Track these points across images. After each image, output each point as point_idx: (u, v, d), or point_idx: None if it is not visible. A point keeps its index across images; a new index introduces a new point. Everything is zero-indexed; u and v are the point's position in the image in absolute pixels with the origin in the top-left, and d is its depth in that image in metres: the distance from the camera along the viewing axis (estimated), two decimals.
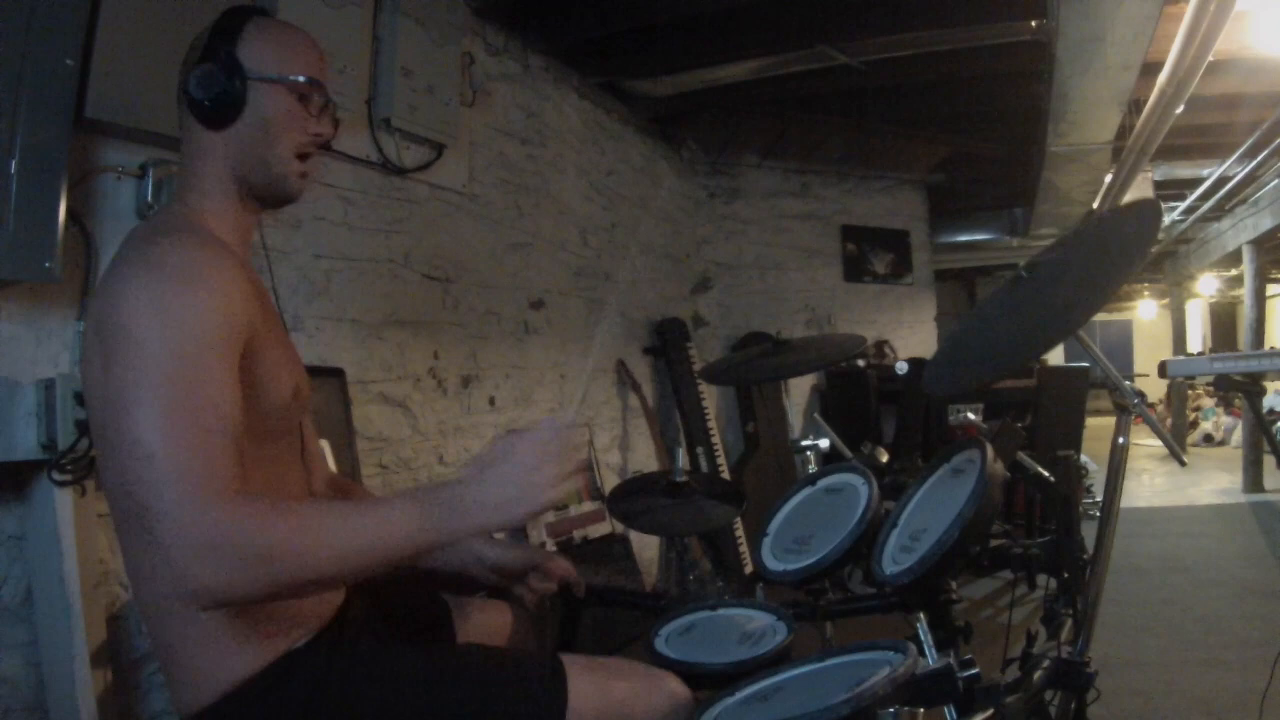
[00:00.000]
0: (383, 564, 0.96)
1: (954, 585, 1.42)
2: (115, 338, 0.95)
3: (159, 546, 0.88)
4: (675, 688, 1.19)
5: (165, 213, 1.13)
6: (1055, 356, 10.25)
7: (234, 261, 1.07)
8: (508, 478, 1.00)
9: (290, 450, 1.19)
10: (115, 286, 0.98)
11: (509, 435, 1.06)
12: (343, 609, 1.20)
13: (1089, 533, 1.53)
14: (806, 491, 1.75)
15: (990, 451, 1.38)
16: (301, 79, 1.15)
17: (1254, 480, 7.05)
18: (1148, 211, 1.41)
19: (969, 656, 1.08)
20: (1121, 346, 16.22)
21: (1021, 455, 1.83)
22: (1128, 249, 1.35)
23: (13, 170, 1.46)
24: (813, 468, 2.05)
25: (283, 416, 1.13)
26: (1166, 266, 11.21)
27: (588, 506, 3.56)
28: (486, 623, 1.44)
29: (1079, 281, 1.36)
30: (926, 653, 1.33)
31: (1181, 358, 1.62)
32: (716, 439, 4.59)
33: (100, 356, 0.98)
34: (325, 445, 2.21)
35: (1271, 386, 8.49)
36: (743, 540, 4.40)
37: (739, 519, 4.15)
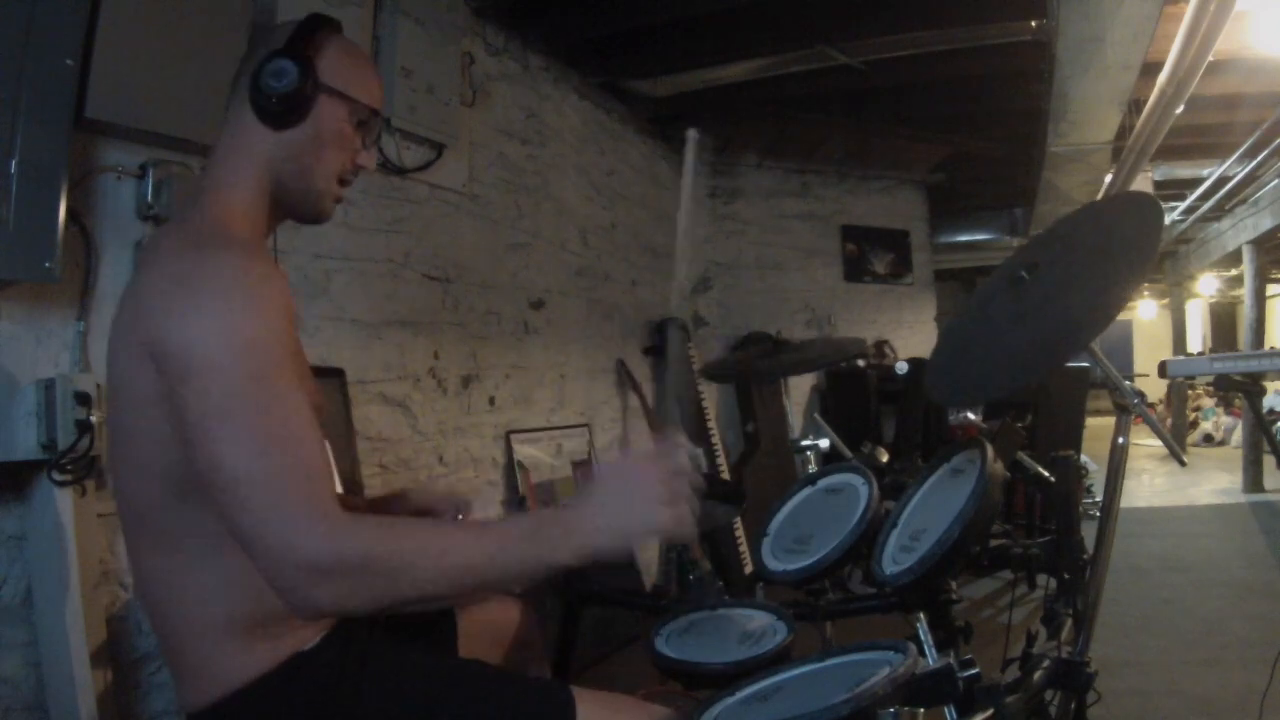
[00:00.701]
0: (492, 584, 0.97)
1: (954, 585, 1.42)
2: (187, 363, 0.93)
3: (265, 569, 0.89)
4: None
5: (200, 216, 1.08)
6: None
7: (280, 274, 1.05)
8: (616, 501, 0.98)
9: None
10: (175, 310, 0.95)
11: (618, 458, 1.04)
12: None
13: (1089, 533, 1.53)
14: (806, 491, 1.75)
15: (990, 451, 1.38)
16: (369, 106, 1.15)
17: (1254, 480, 7.05)
18: (1148, 211, 1.41)
19: (969, 656, 1.08)
20: (1121, 346, 16.21)
21: (1021, 455, 1.84)
22: (1133, 255, 1.35)
23: (13, 170, 1.46)
24: (813, 468, 2.04)
25: None
26: (1166, 266, 11.21)
27: None
28: (491, 619, 1.44)
29: (1085, 291, 1.36)
30: (926, 653, 1.33)
31: (1181, 358, 1.62)
32: (716, 439, 4.59)
33: (153, 378, 0.97)
34: (326, 446, 2.21)
35: (1271, 386, 8.50)
36: (743, 540, 4.40)
37: (739, 519, 4.15)
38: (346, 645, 1.12)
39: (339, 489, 1.44)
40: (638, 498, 0.97)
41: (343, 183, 1.18)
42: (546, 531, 0.96)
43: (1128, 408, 1.49)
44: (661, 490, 0.97)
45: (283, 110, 1.08)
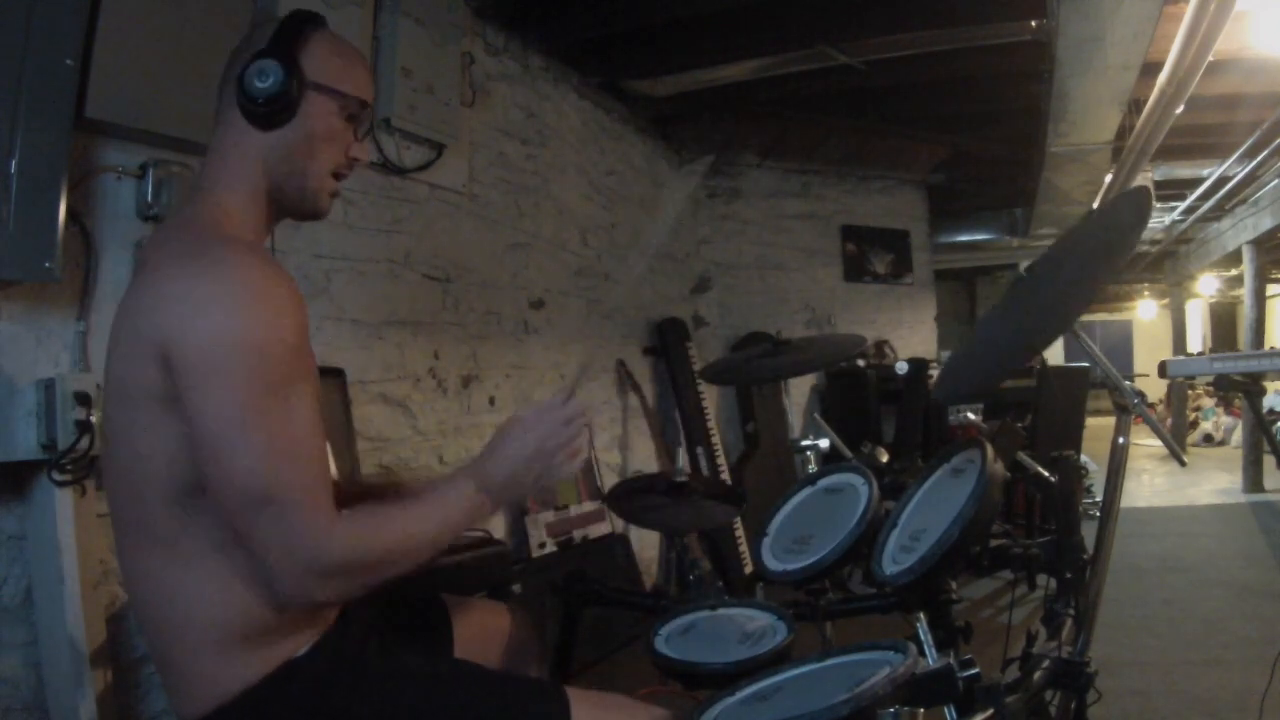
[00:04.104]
0: (443, 546, 1.08)
1: (954, 585, 1.42)
2: (196, 366, 0.93)
3: (271, 572, 0.95)
4: None
5: (200, 215, 1.09)
6: (1055, 356, 10.24)
7: (287, 274, 1.05)
8: (525, 453, 1.12)
9: None
10: (184, 311, 0.95)
11: (515, 417, 1.16)
12: (344, 612, 1.20)
13: (1089, 533, 1.53)
14: (806, 491, 1.75)
15: (990, 451, 1.38)
16: (357, 99, 1.15)
17: (1254, 480, 7.05)
18: (1140, 198, 1.41)
19: (969, 656, 1.08)
20: (1121, 346, 16.21)
21: (1021, 455, 1.83)
22: (1116, 237, 1.35)
23: (13, 170, 1.46)
24: (813, 468, 2.05)
25: None
26: (1166, 266, 11.21)
27: (588, 506, 3.56)
28: (486, 624, 1.44)
29: (1072, 276, 1.36)
30: (926, 653, 1.33)
31: (1181, 358, 1.62)
32: (716, 439, 4.59)
33: (157, 377, 0.96)
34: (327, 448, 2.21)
35: (1271, 386, 8.49)
36: (743, 540, 4.40)
37: (739, 519, 4.15)
38: (339, 653, 1.11)
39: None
40: (542, 449, 1.12)
41: (337, 177, 1.17)
42: (478, 493, 1.10)
43: (1128, 408, 1.48)
44: (560, 440, 1.13)
45: (270, 111, 1.08)
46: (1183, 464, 1.56)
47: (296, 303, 1.01)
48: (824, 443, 2.22)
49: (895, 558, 1.41)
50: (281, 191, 1.13)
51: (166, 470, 1.00)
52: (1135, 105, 4.21)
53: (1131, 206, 1.41)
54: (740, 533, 4.40)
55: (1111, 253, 1.33)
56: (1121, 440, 1.52)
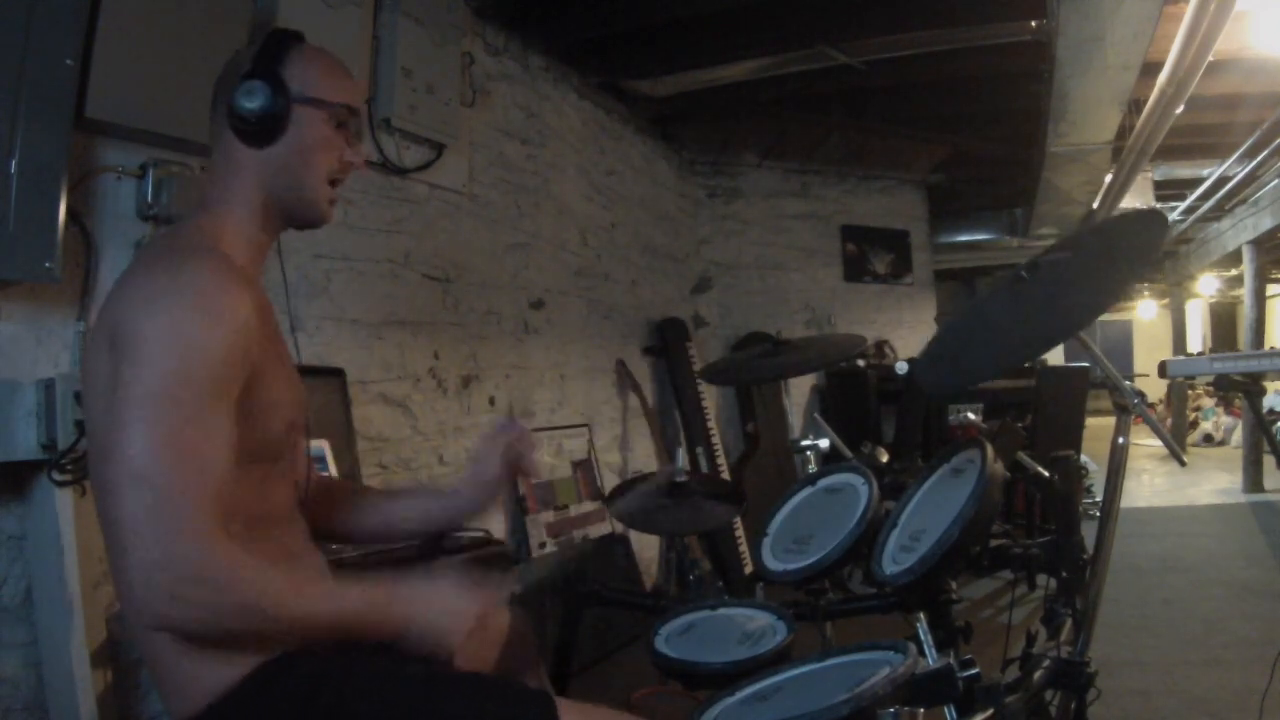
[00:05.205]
0: (330, 634, 1.05)
1: (954, 585, 1.42)
2: (129, 349, 0.97)
3: (130, 567, 0.91)
4: None
5: (188, 226, 1.14)
6: (1055, 356, 10.24)
7: (250, 290, 1.07)
8: (437, 606, 1.12)
9: (279, 473, 1.18)
10: (136, 300, 1.00)
11: (442, 569, 1.09)
12: None
13: (1089, 533, 1.53)
14: (806, 491, 1.75)
15: (990, 451, 1.38)
16: (343, 105, 1.18)
17: (1254, 480, 7.04)
18: (1154, 221, 1.41)
19: (969, 656, 1.08)
20: (1121, 346, 16.20)
21: (1021, 455, 1.83)
22: (1133, 255, 1.35)
23: (13, 170, 1.47)
24: (813, 468, 2.05)
25: (275, 446, 1.14)
26: (1166, 266, 11.20)
27: (588, 506, 3.56)
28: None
29: (1083, 284, 1.36)
30: (926, 653, 1.33)
31: (1181, 358, 1.62)
32: (716, 439, 4.59)
33: (108, 362, 1.00)
34: (325, 445, 2.21)
35: (1271, 386, 8.49)
36: (743, 540, 4.40)
37: (739, 519, 4.15)
38: (329, 650, 1.11)
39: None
40: (453, 612, 1.13)
41: (334, 183, 1.20)
42: (376, 610, 1.07)
43: (1128, 408, 1.48)
44: (470, 610, 1.14)
45: (261, 129, 1.12)
46: (1183, 464, 1.56)
47: (242, 311, 1.02)
48: (824, 443, 2.22)
49: (895, 558, 1.42)
50: (281, 203, 1.17)
51: None
52: (1135, 105, 4.21)
53: (1144, 228, 1.41)
54: (740, 533, 4.40)
55: (1126, 269, 1.33)
56: (1121, 440, 1.52)
